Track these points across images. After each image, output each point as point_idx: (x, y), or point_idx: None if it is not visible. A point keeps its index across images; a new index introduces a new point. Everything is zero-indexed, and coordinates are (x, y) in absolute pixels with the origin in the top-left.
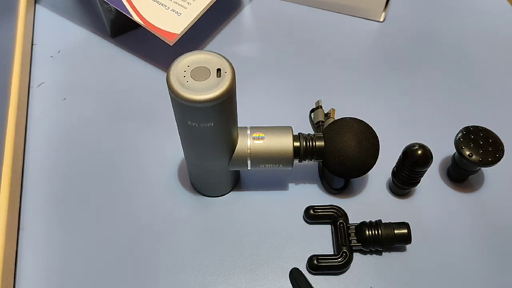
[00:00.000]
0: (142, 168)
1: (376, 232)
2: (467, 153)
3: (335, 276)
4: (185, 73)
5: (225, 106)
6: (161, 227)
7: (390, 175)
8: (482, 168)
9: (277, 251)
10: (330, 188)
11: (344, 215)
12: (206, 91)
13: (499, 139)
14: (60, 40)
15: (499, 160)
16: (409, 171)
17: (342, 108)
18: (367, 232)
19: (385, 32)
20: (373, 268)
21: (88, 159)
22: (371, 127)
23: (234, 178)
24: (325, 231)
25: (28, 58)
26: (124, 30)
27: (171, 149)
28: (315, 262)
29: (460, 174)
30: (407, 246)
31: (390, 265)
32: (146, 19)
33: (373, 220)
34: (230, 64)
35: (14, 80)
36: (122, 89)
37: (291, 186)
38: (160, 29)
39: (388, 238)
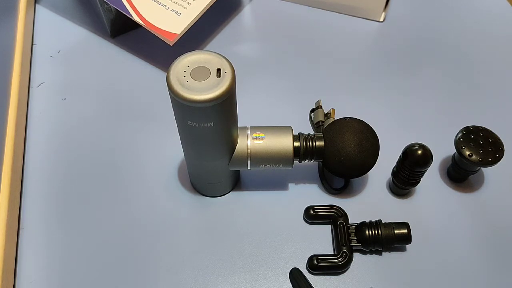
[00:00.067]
0: (142, 168)
1: (376, 232)
2: (467, 153)
3: (335, 276)
4: (185, 73)
5: (225, 106)
6: (161, 227)
7: (390, 175)
8: (482, 168)
9: (277, 251)
10: (330, 188)
11: (344, 215)
12: (206, 91)
13: (499, 139)
14: (60, 40)
15: (499, 160)
16: (409, 171)
17: (342, 108)
18: (367, 232)
19: (385, 32)
20: (373, 268)
21: (88, 159)
22: (371, 127)
23: (234, 178)
24: (325, 231)
25: (28, 58)
26: (124, 30)
27: (171, 149)
28: (315, 262)
29: (460, 174)
30: (407, 246)
31: (390, 265)
32: (146, 19)
33: (373, 220)
34: (230, 64)
35: (14, 80)
36: (122, 89)
37: (291, 186)
38: (160, 29)
39: (388, 238)
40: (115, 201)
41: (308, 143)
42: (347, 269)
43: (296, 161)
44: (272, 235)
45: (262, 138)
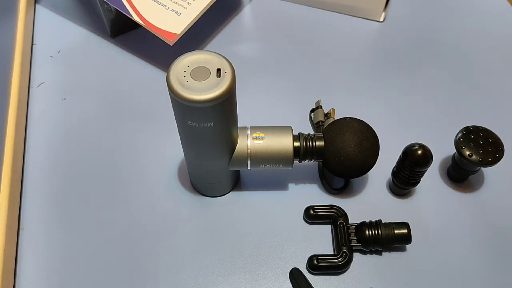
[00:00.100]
0: (142, 168)
1: (376, 232)
2: (467, 153)
3: (335, 276)
4: (185, 73)
5: (225, 106)
6: (161, 227)
7: (390, 175)
8: (482, 168)
9: (277, 251)
10: (330, 188)
11: (344, 215)
12: (206, 91)
13: (499, 139)
14: (60, 40)
15: (499, 160)
16: (409, 171)
17: (342, 108)
18: (367, 232)
19: (385, 32)
20: (373, 268)
21: (88, 159)
22: (371, 127)
23: (234, 178)
24: (325, 231)
25: (28, 58)
26: (124, 30)
27: (171, 149)
28: (315, 262)
29: (460, 174)
30: (407, 246)
31: (390, 265)
32: (146, 19)
33: (373, 220)
34: (230, 64)
35: (14, 80)
36: (122, 89)
37: (291, 186)
38: (160, 29)
39: (388, 238)
40: (115, 201)
41: (308, 143)
42: (347, 269)
43: (296, 161)
44: (272, 235)
45: (262, 138)
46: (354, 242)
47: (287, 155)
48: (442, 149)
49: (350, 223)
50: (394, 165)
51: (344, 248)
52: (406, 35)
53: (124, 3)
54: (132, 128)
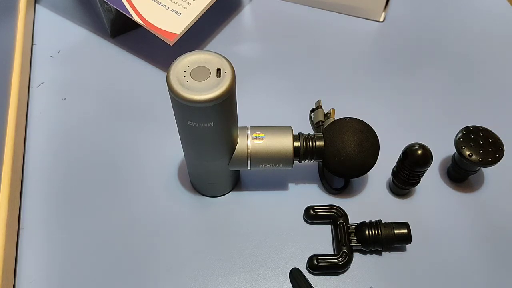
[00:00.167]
0: (142, 168)
1: (376, 232)
2: (467, 153)
3: (335, 276)
4: (185, 73)
5: (225, 106)
6: (161, 227)
7: (390, 175)
8: (482, 168)
9: (277, 251)
10: (330, 188)
11: (344, 215)
12: (206, 91)
13: (499, 139)
14: (60, 40)
15: (499, 160)
16: (409, 171)
17: (342, 108)
18: (367, 232)
19: (385, 32)
20: (373, 268)
21: (88, 159)
22: (371, 127)
23: (234, 178)
24: (325, 231)
25: (28, 58)
26: (124, 30)
27: (171, 149)
28: (315, 262)
29: (460, 174)
30: (407, 246)
31: (390, 265)
32: (146, 19)
33: (373, 220)
34: (230, 64)
35: (14, 80)
36: (122, 89)
37: (291, 186)
38: (160, 29)
39: (388, 238)
40: (115, 201)
41: (308, 143)
42: (347, 269)
43: (296, 161)
44: (272, 235)
45: (262, 138)
46: (354, 242)
47: (287, 155)
48: (442, 149)
49: (350, 223)
50: (394, 165)
51: (344, 248)
52: (406, 35)
53: (124, 3)
54: (132, 128)
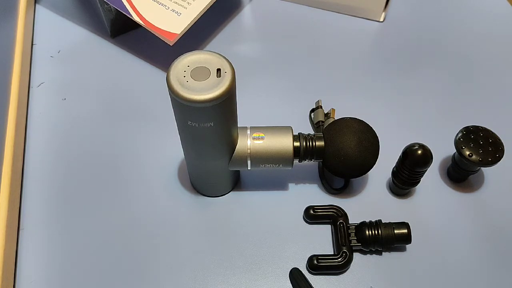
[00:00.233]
0: (142, 168)
1: (376, 232)
2: (467, 153)
3: (335, 276)
4: (185, 73)
5: (225, 106)
6: (161, 227)
7: (390, 175)
8: (482, 168)
9: (277, 251)
10: (330, 188)
11: (344, 215)
12: (206, 91)
13: (499, 139)
14: (60, 40)
15: (499, 160)
16: (409, 171)
17: (342, 108)
18: (367, 232)
19: (385, 32)
20: (373, 268)
21: (88, 159)
22: (371, 127)
23: (234, 178)
24: (325, 231)
25: (28, 58)
26: (124, 30)
27: (171, 149)
28: (315, 262)
29: (460, 174)
30: (407, 246)
31: (390, 265)
32: (146, 19)
33: (373, 220)
34: (230, 64)
35: (14, 80)
36: (122, 89)
37: (291, 186)
38: (160, 29)
39: (388, 238)
40: (115, 201)
41: (308, 143)
42: (347, 269)
43: (296, 161)
44: (272, 235)
45: (262, 138)
46: (354, 242)
47: (287, 155)
48: (442, 149)
49: (350, 223)
50: (394, 165)
51: (344, 248)
52: (406, 35)
53: (124, 3)
54: (132, 128)
